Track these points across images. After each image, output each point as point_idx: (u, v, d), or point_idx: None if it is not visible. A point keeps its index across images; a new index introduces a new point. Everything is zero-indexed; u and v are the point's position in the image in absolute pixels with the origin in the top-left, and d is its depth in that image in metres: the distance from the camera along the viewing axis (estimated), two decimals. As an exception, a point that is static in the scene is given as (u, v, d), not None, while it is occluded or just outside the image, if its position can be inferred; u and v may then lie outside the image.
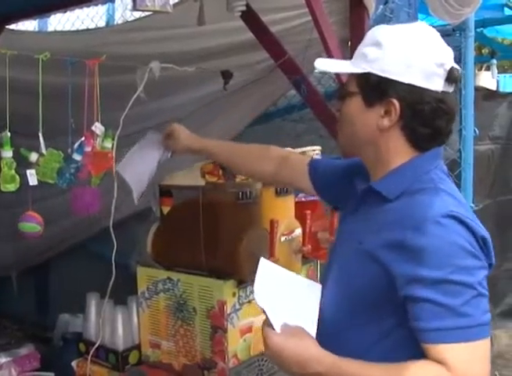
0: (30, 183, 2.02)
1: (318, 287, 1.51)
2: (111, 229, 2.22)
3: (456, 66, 1.35)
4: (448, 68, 1.33)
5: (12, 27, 3.49)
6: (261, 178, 2.00)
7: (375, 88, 1.35)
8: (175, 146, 2.05)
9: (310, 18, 2.52)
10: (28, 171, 2.01)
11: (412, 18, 3.06)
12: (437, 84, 1.33)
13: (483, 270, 1.26)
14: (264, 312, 1.33)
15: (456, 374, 1.20)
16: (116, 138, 2.17)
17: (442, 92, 1.34)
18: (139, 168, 2.10)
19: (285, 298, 1.42)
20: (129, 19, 3.69)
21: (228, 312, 2.08)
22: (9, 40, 2.95)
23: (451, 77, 1.33)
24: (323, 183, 1.71)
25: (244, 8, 2.45)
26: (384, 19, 3.05)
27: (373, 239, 1.33)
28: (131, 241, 2.74)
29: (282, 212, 2.25)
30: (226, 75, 2.57)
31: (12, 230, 3.02)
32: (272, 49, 2.83)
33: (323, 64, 1.47)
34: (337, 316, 1.41)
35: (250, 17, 2.67)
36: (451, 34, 2.97)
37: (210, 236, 2.10)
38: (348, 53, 2.69)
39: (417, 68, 1.32)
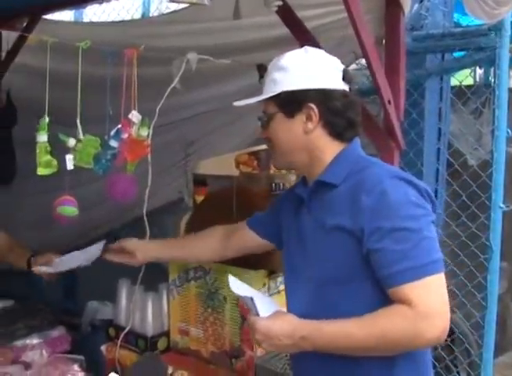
0: (68, 168, 2.05)
1: (274, 302, 1.78)
2: (145, 217, 2.25)
3: (346, 68, 1.66)
4: (341, 70, 1.63)
5: (48, 17, 3.55)
6: (217, 256, 2.08)
7: (292, 100, 1.61)
8: (133, 263, 2.14)
9: (345, 15, 2.52)
10: (67, 156, 2.05)
11: (448, 17, 3.06)
12: (338, 84, 1.62)
13: (428, 217, 1.50)
14: (251, 301, 1.52)
15: (417, 308, 1.40)
16: (152, 126, 2.21)
17: (343, 89, 1.63)
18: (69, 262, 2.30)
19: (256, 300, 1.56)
20: (164, 12, 3.72)
21: (258, 301, 2.10)
22: (46, 30, 2.99)
23: (345, 77, 1.63)
24: (267, 226, 1.91)
25: (281, 3, 2.47)
26: (419, 18, 3.05)
27: (334, 217, 1.55)
28: (160, 232, 2.78)
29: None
30: (262, 69, 2.58)
31: (43, 216, 3.07)
32: (307, 45, 2.84)
33: (242, 102, 1.69)
34: (325, 302, 1.58)
35: (285, 12, 2.68)
36: (486, 34, 2.96)
37: (243, 225, 2.12)
38: (383, 51, 2.70)
39: (321, 75, 1.61)
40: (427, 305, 1.41)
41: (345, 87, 1.64)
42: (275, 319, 1.51)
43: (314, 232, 1.62)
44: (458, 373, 3.17)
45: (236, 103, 1.72)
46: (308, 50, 1.66)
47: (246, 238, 1.96)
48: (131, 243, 2.13)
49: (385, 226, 1.45)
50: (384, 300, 1.49)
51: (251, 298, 1.52)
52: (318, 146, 1.63)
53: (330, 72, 1.62)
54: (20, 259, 2.43)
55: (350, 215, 1.52)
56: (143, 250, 2.10)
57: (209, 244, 2.05)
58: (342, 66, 1.65)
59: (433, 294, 1.43)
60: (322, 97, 1.59)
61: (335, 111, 1.61)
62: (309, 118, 1.61)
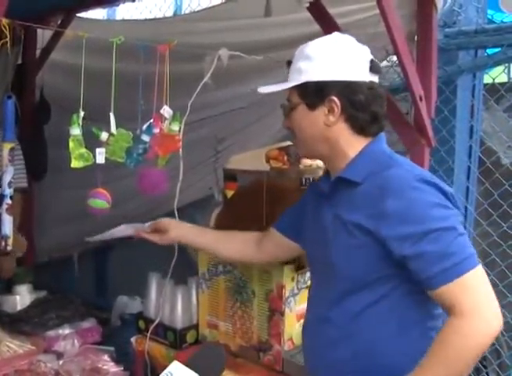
0: (98, 161, 2.07)
1: None
2: (175, 211, 2.27)
3: (374, 59, 1.60)
4: (369, 60, 1.58)
5: (82, 14, 3.61)
6: (249, 257, 2.04)
7: (315, 92, 1.57)
8: (162, 241, 2.09)
9: (376, 11, 2.51)
10: (97, 150, 2.07)
11: (481, 13, 3.03)
12: (364, 76, 1.57)
13: (456, 217, 1.50)
14: None
15: (464, 313, 1.38)
16: (183, 121, 2.22)
17: (370, 81, 1.58)
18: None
19: None
20: (196, 10, 3.76)
21: (286, 295, 2.11)
22: (80, 28, 3.03)
23: (373, 68, 1.58)
24: (292, 225, 1.88)
25: (312, -1, 2.47)
26: (451, 14, 3.03)
27: (354, 214, 1.54)
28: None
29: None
30: (292, 65, 2.58)
31: (76, 211, 3.12)
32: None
33: (266, 88, 1.67)
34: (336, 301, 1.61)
35: (317, 9, 2.67)
36: (522, 30, 2.90)
37: (273, 220, 2.12)
38: (415, 48, 2.69)
39: (346, 66, 1.56)
40: (472, 302, 1.39)
41: (372, 78, 1.59)
42: None
43: (335, 227, 1.60)
44: (487, 374, 3.13)
45: (261, 89, 1.68)
46: (337, 38, 1.62)
47: (276, 238, 1.93)
48: (168, 221, 2.09)
49: (418, 231, 1.44)
50: (399, 299, 1.55)
51: None
52: (340, 139, 1.60)
53: (356, 63, 1.57)
54: None
55: (371, 216, 1.50)
56: (179, 229, 2.06)
57: (243, 242, 2.03)
58: (370, 57, 1.59)
59: (476, 289, 1.42)
60: (346, 90, 1.55)
61: (358, 105, 1.56)
62: (331, 111, 1.57)
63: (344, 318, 1.59)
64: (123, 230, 2.21)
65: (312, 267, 1.79)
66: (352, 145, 1.60)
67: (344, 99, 1.56)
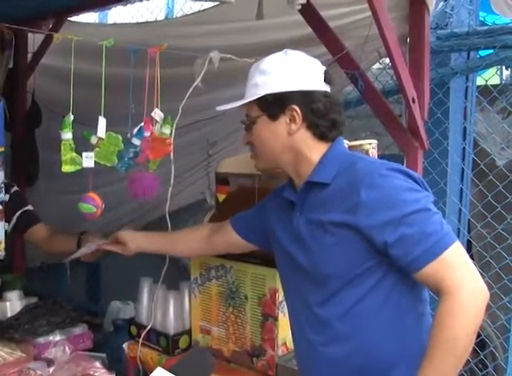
0: (85, 165, 2.04)
1: None
2: (167, 215, 2.26)
3: (327, 69, 1.68)
4: (322, 72, 1.66)
5: (74, 18, 3.59)
6: (201, 252, 2.18)
7: (275, 102, 1.63)
8: (126, 252, 2.19)
9: (368, 14, 2.50)
10: (84, 154, 2.04)
11: (473, 15, 3.02)
12: (320, 85, 1.65)
13: (428, 197, 1.54)
14: None
15: (451, 290, 1.41)
16: (174, 124, 2.21)
17: (325, 90, 1.65)
18: None
19: None
20: (188, 13, 3.74)
21: (279, 300, 2.09)
22: (71, 31, 3.00)
23: (327, 79, 1.66)
24: (249, 228, 1.96)
25: (304, 1, 2.45)
26: (444, 16, 3.02)
27: (331, 213, 1.57)
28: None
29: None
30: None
31: (68, 216, 3.09)
32: (331, 44, 2.81)
33: (225, 106, 1.73)
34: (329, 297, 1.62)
35: (309, 12, 2.66)
36: (512, 32, 2.91)
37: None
38: (407, 50, 2.68)
39: (302, 76, 1.63)
40: (456, 278, 1.42)
41: (327, 88, 1.66)
42: None
43: (311, 232, 1.63)
44: (483, 376, 3.12)
45: (219, 108, 1.74)
46: (288, 53, 1.67)
47: (230, 236, 2.00)
48: (124, 234, 2.18)
49: (394, 216, 1.48)
50: (390, 287, 1.56)
51: None
52: (303, 147, 1.66)
53: (311, 74, 1.65)
54: (67, 241, 2.50)
55: (347, 210, 1.53)
56: (134, 240, 2.16)
57: (193, 240, 2.12)
58: (323, 68, 1.67)
59: (458, 264, 1.45)
60: (304, 98, 1.61)
61: (318, 113, 1.63)
62: (292, 120, 1.63)
63: (338, 316, 1.60)
64: (90, 246, 2.28)
65: (291, 274, 1.76)
66: (314, 150, 1.66)
67: (304, 108, 1.62)
